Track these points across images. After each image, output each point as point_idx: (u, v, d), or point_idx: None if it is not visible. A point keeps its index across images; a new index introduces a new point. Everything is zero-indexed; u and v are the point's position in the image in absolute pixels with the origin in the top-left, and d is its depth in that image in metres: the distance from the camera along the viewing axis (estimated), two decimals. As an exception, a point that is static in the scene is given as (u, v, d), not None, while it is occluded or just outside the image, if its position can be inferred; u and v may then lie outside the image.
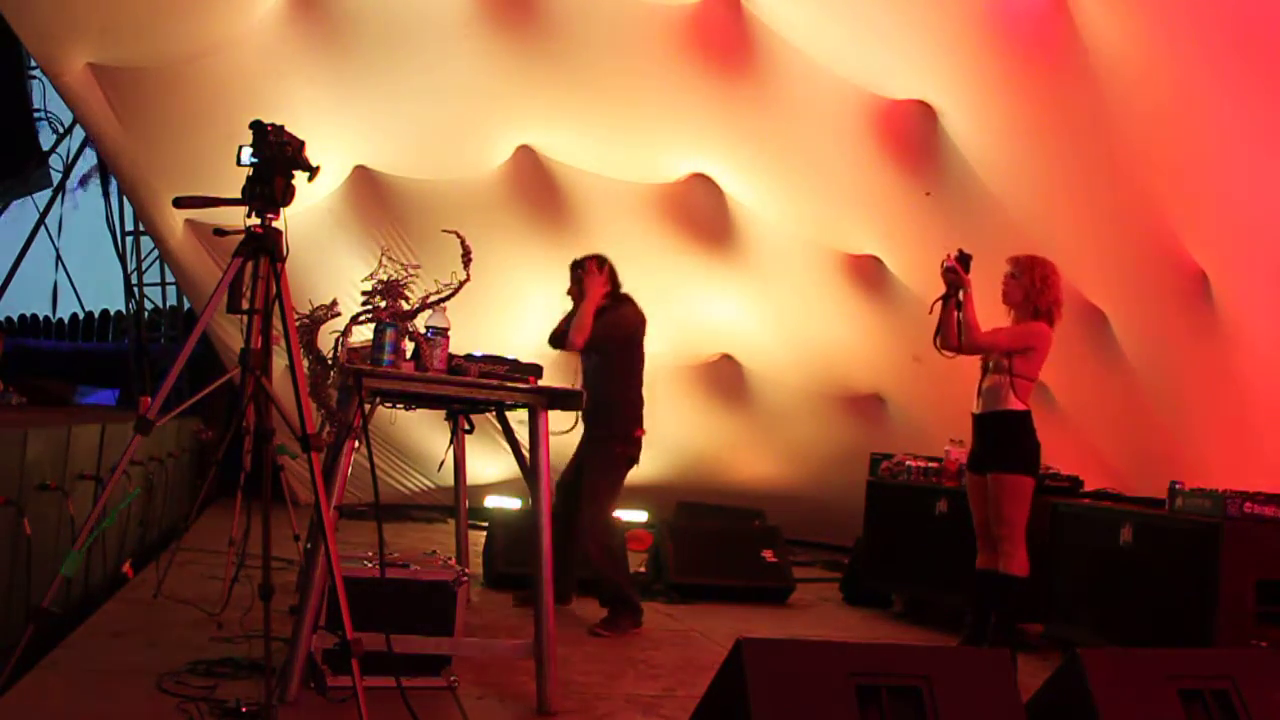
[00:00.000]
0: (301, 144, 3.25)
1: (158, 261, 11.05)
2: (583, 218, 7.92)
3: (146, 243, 11.06)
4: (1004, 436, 4.70)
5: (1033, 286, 4.76)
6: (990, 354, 4.78)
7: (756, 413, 9.13)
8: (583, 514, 5.27)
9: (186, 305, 10.92)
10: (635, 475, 5.57)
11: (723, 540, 6.69)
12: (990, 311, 4.80)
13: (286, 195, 3.22)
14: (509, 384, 3.81)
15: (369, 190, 7.89)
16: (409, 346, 3.77)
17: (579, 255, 5.68)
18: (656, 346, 7.63)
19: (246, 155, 3.20)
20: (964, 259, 4.74)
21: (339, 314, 3.71)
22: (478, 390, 3.80)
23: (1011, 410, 4.67)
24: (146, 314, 11.48)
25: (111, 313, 12.45)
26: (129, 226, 11.27)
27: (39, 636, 3.24)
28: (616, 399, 5.38)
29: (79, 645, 4.02)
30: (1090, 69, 5.33)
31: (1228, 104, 5.06)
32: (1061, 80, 5.51)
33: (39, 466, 3.76)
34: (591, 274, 5.45)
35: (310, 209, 7.33)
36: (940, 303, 4.77)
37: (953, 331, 4.74)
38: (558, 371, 5.79)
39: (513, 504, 8.64)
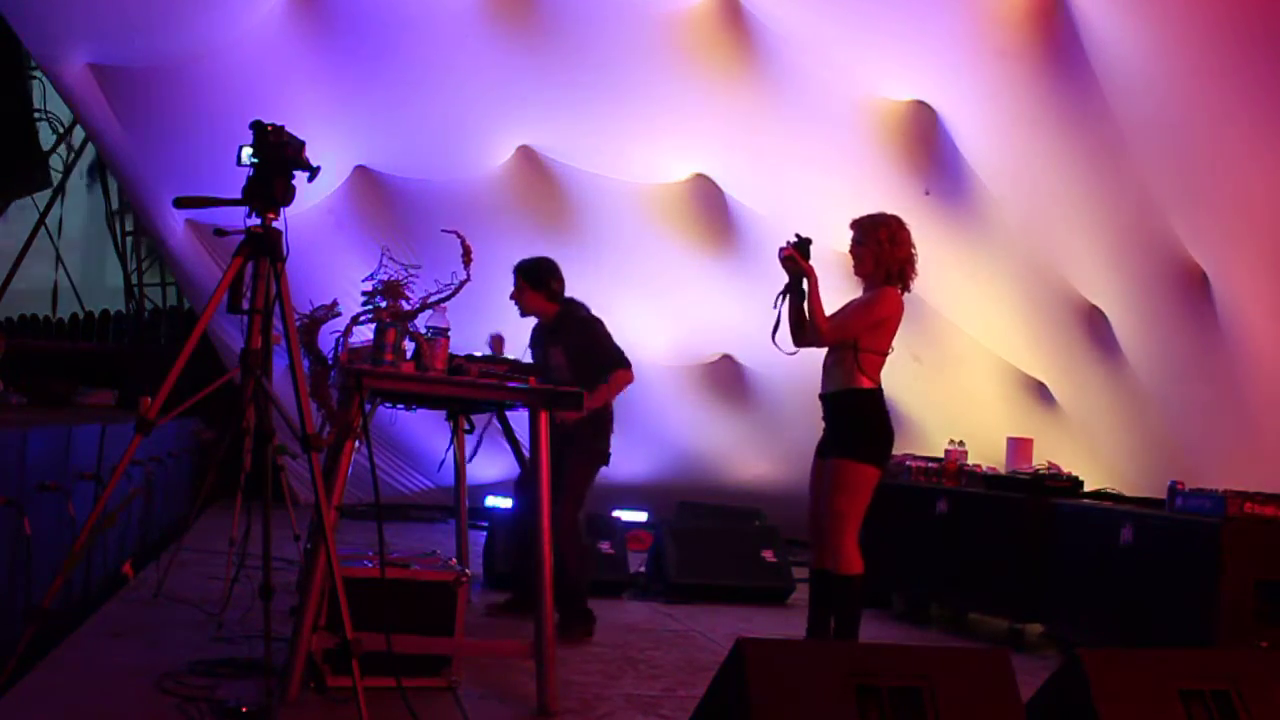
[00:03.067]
0: (301, 144, 3.25)
1: (158, 261, 11.05)
2: (583, 218, 7.91)
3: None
4: (851, 419, 4.23)
5: (880, 248, 4.24)
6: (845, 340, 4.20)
7: (756, 413, 9.12)
8: (562, 515, 4.77)
9: (186, 305, 10.92)
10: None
11: (723, 540, 6.68)
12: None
13: (286, 195, 3.23)
14: (509, 384, 3.81)
15: (369, 190, 7.89)
16: (409, 347, 3.77)
17: (562, 256, 5.46)
18: (657, 347, 7.61)
19: (246, 155, 3.20)
20: (802, 245, 4.22)
21: (339, 314, 3.71)
22: (478, 390, 3.80)
23: (859, 389, 4.19)
24: (146, 314, 11.48)
25: (111, 313, 12.44)
26: (129, 227, 11.28)
27: (39, 636, 3.25)
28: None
29: (79, 645, 4.02)
30: (1090, 69, 5.34)
31: (1228, 104, 5.06)
32: (1061, 81, 5.51)
33: (39, 466, 3.76)
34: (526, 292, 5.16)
35: (310, 209, 7.34)
36: (782, 296, 4.28)
37: (802, 325, 4.27)
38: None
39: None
